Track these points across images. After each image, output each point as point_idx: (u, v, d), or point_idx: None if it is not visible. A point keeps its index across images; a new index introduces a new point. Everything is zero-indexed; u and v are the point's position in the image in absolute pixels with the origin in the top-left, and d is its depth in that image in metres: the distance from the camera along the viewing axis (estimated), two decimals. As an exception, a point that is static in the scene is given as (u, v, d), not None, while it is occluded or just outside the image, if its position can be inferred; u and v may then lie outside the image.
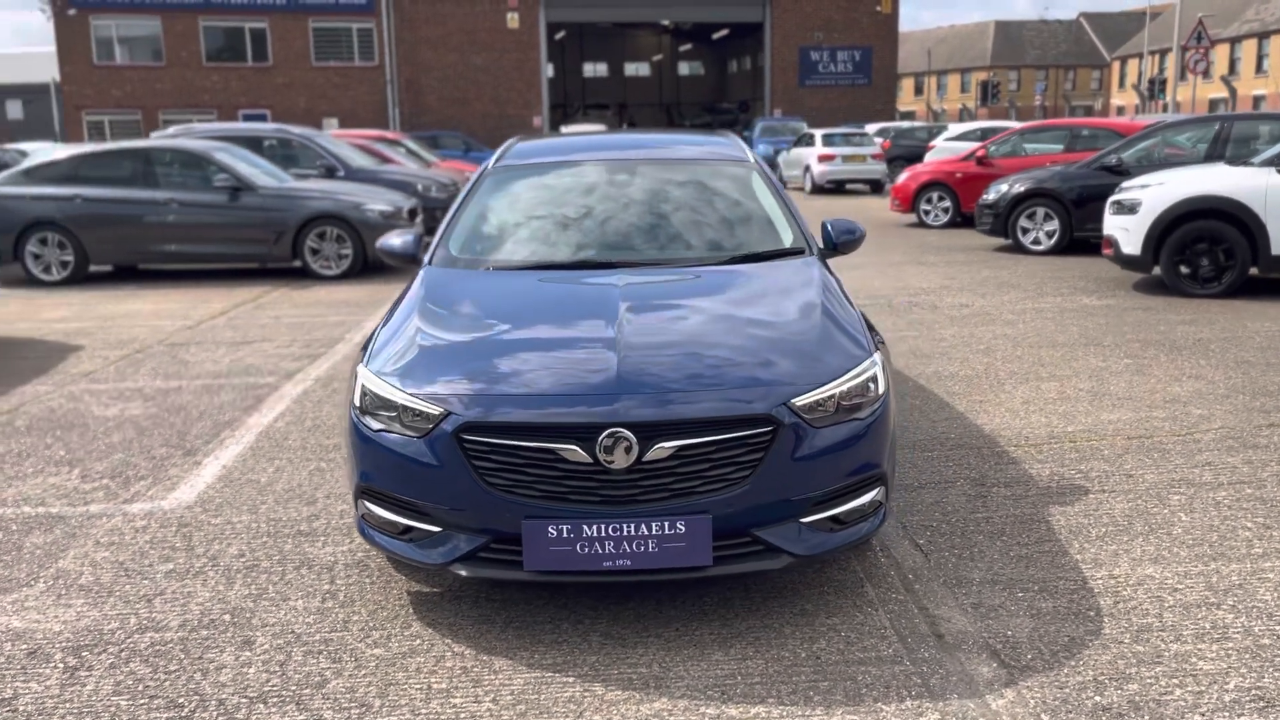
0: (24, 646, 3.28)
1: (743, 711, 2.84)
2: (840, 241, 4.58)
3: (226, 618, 3.44)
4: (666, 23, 49.00)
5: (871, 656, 3.12)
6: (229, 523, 4.29)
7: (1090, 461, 4.83)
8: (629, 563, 3.08)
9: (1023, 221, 12.63)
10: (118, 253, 11.88)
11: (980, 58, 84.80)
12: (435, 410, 3.20)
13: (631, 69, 59.00)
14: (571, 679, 3.02)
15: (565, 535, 3.06)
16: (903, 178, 16.69)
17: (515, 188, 4.79)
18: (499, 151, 5.13)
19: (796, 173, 25.68)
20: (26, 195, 11.68)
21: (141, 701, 2.94)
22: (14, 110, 70.88)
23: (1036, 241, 12.62)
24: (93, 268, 11.93)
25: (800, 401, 3.22)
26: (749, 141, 31.79)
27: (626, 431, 3.05)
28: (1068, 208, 12.41)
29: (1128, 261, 9.34)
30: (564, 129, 30.81)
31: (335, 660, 3.15)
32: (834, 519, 3.33)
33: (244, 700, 2.94)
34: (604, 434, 3.05)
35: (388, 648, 3.22)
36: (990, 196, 13.00)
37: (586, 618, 3.38)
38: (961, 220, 15.73)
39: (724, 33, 48.85)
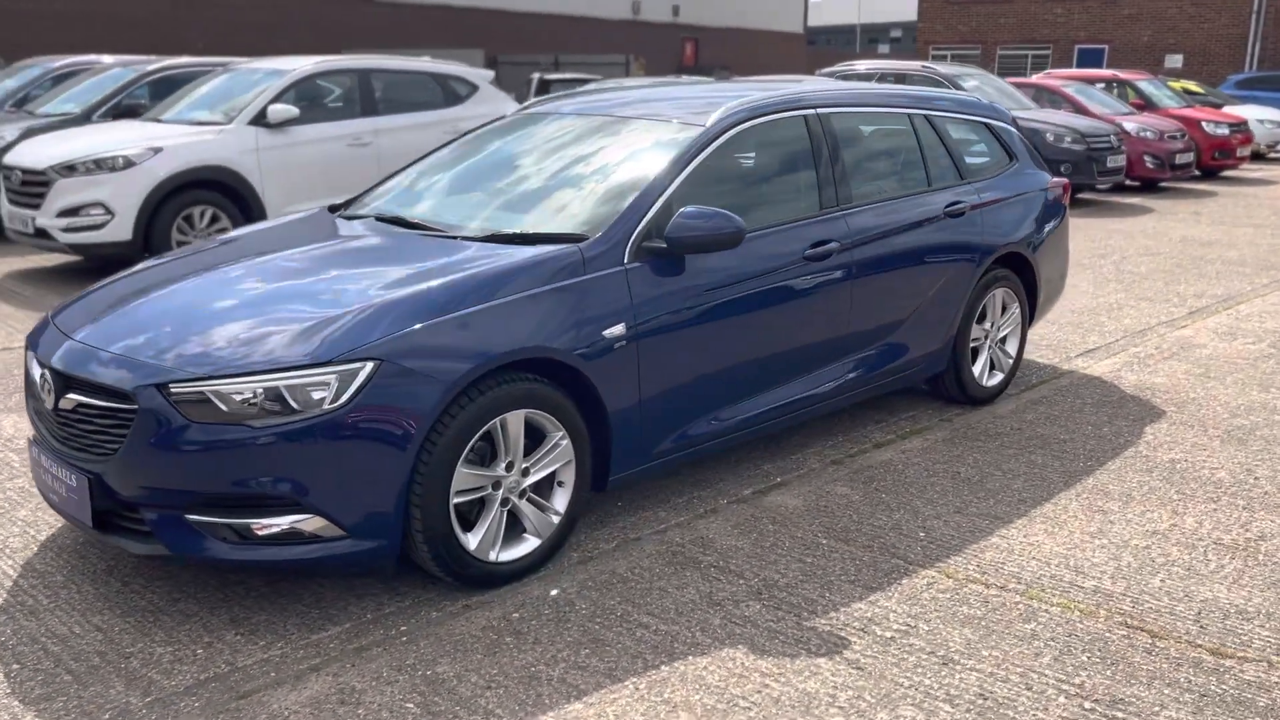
0: (-9, 438, 4.73)
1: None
2: (674, 238, 3.53)
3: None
4: None
5: (175, 657, 2.91)
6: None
7: (979, 627, 3.16)
8: (57, 500, 3.21)
9: None
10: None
11: None
12: None
13: None
14: (103, 616, 3.30)
15: (38, 459, 3.30)
16: None
17: (467, 144, 4.64)
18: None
19: None
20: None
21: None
22: (881, 47, 77.23)
23: None
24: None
25: (179, 389, 2.94)
26: None
27: (48, 374, 3.18)
28: None
29: None
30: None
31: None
32: (232, 529, 2.97)
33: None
34: (41, 372, 3.24)
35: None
36: None
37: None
38: None
39: None
